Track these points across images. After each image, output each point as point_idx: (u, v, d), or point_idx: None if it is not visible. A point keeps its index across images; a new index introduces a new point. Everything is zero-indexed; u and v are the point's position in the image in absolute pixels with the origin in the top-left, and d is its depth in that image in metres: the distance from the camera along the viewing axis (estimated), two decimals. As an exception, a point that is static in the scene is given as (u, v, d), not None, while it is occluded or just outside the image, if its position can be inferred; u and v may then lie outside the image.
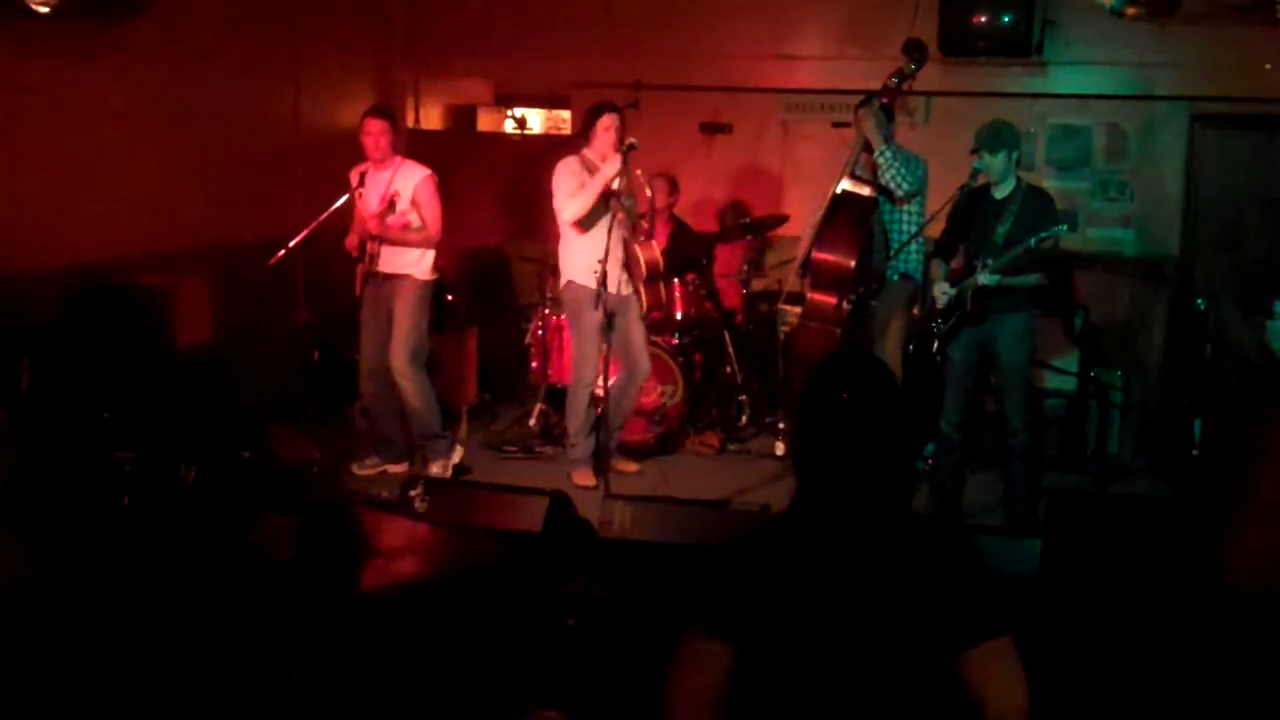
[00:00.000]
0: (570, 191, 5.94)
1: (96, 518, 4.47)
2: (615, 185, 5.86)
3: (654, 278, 6.23)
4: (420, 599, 3.67)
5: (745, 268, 7.30)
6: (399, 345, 6.19)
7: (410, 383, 6.21)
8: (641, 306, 6.22)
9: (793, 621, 2.24)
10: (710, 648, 2.26)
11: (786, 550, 2.30)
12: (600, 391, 6.02)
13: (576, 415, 6.20)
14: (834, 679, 2.23)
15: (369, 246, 6.12)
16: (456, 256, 8.16)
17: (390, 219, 6.06)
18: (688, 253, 7.11)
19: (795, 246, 6.41)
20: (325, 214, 6.20)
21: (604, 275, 5.81)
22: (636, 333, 6.20)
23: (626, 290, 6.14)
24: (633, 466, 6.43)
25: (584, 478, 6.16)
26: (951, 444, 5.76)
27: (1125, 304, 7.43)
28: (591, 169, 5.97)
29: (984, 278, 5.36)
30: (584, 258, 5.96)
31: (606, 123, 5.96)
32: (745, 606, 2.26)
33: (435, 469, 6.27)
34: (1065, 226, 5.33)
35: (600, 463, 6.14)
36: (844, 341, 5.84)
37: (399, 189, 6.09)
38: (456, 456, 6.37)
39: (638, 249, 6.15)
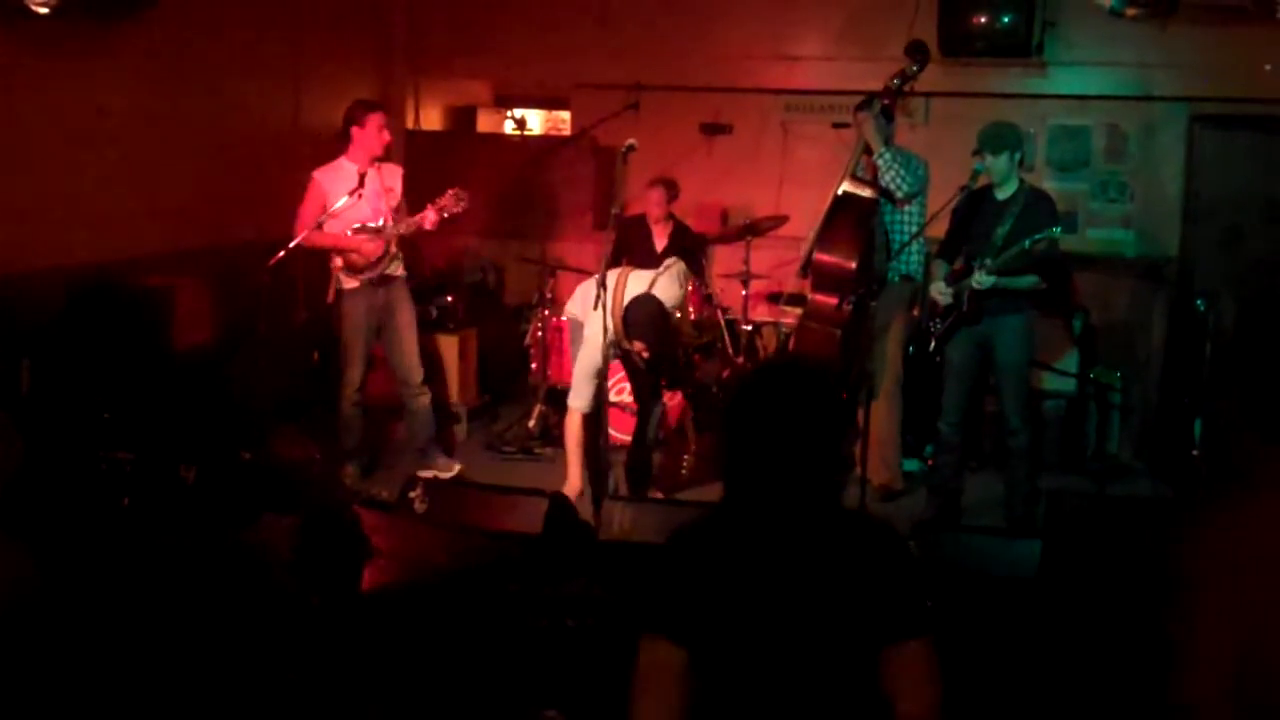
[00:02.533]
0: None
1: (96, 518, 4.46)
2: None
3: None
4: (420, 600, 3.66)
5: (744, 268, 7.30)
6: (415, 349, 6.25)
7: (423, 387, 6.29)
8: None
9: (728, 619, 2.27)
10: (662, 652, 2.29)
11: (718, 549, 2.34)
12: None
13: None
14: (769, 674, 2.26)
15: (391, 248, 6.08)
16: (456, 257, 8.17)
17: (410, 219, 6.07)
18: (687, 253, 7.11)
19: (795, 247, 6.40)
20: (325, 215, 6.19)
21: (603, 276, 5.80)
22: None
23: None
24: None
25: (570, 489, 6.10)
26: (951, 444, 5.76)
27: (1125, 304, 7.43)
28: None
29: (980, 279, 5.37)
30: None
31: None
32: (688, 607, 2.29)
33: (444, 469, 6.31)
34: (1059, 229, 5.32)
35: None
36: (844, 342, 5.84)
37: (391, 185, 6.11)
38: (455, 469, 6.40)
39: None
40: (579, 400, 5.72)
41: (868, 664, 2.26)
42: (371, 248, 6.03)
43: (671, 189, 7.09)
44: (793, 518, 2.32)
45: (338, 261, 6.07)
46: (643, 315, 5.43)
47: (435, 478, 6.10)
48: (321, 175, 6.03)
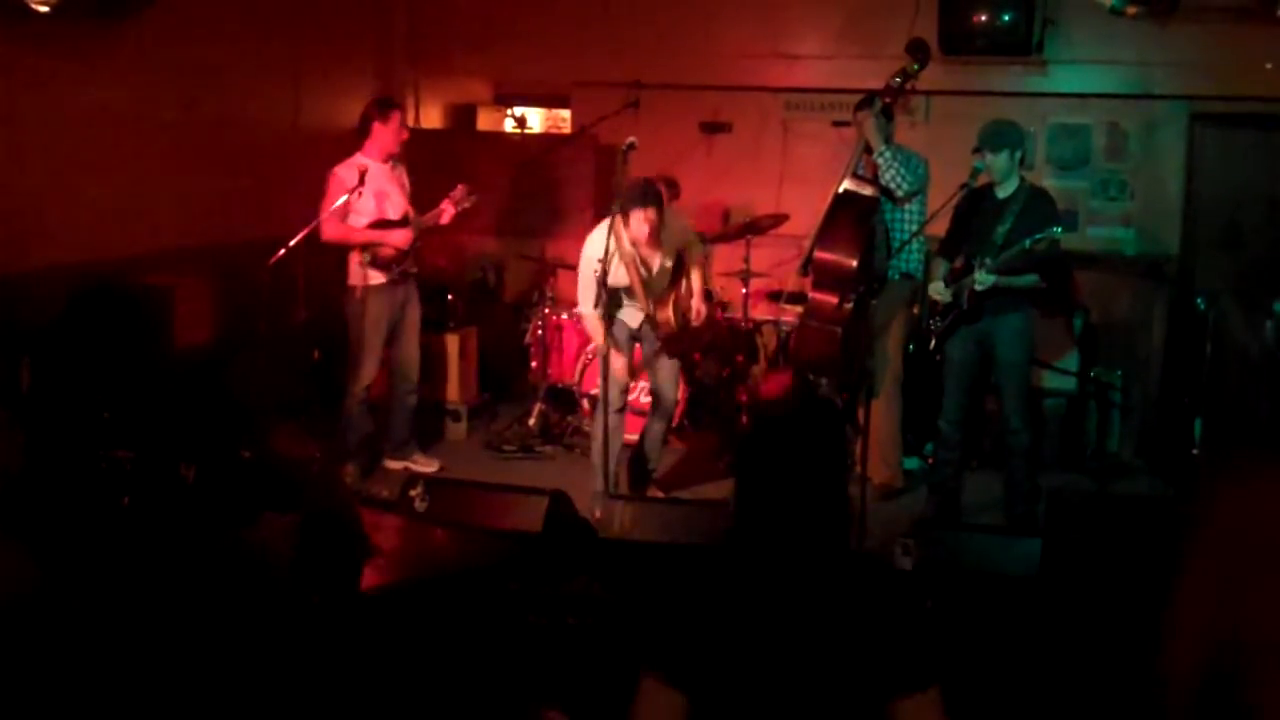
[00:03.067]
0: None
1: (96, 517, 4.46)
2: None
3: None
4: (420, 599, 3.66)
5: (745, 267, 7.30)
6: (418, 347, 6.37)
7: (416, 385, 6.39)
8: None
9: (731, 665, 2.24)
10: (661, 696, 2.27)
11: (724, 592, 2.30)
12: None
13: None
14: None
15: (418, 241, 6.16)
16: (456, 256, 8.16)
17: (429, 213, 6.12)
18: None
19: (795, 246, 6.40)
20: (325, 214, 6.19)
21: (604, 275, 5.80)
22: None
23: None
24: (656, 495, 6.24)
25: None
26: (951, 443, 5.76)
27: (1125, 303, 7.43)
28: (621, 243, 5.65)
29: (980, 278, 5.36)
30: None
31: (644, 218, 5.43)
32: (687, 650, 2.26)
33: (423, 465, 6.37)
34: (1061, 229, 5.32)
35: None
36: (845, 341, 5.84)
37: (403, 182, 6.16)
38: (435, 466, 6.47)
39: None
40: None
41: (874, 716, 2.23)
42: (401, 240, 6.11)
43: (672, 189, 7.08)
44: (801, 561, 2.29)
45: (362, 257, 6.07)
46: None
47: (407, 469, 6.20)
48: (343, 171, 6.05)
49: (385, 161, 6.13)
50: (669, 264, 5.78)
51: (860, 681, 2.22)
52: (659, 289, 5.79)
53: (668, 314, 5.83)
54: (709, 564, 2.40)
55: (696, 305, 5.85)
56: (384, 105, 6.18)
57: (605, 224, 5.50)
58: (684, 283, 5.93)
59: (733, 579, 2.32)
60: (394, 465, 6.34)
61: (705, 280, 6.02)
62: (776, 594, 2.27)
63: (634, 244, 5.54)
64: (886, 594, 2.32)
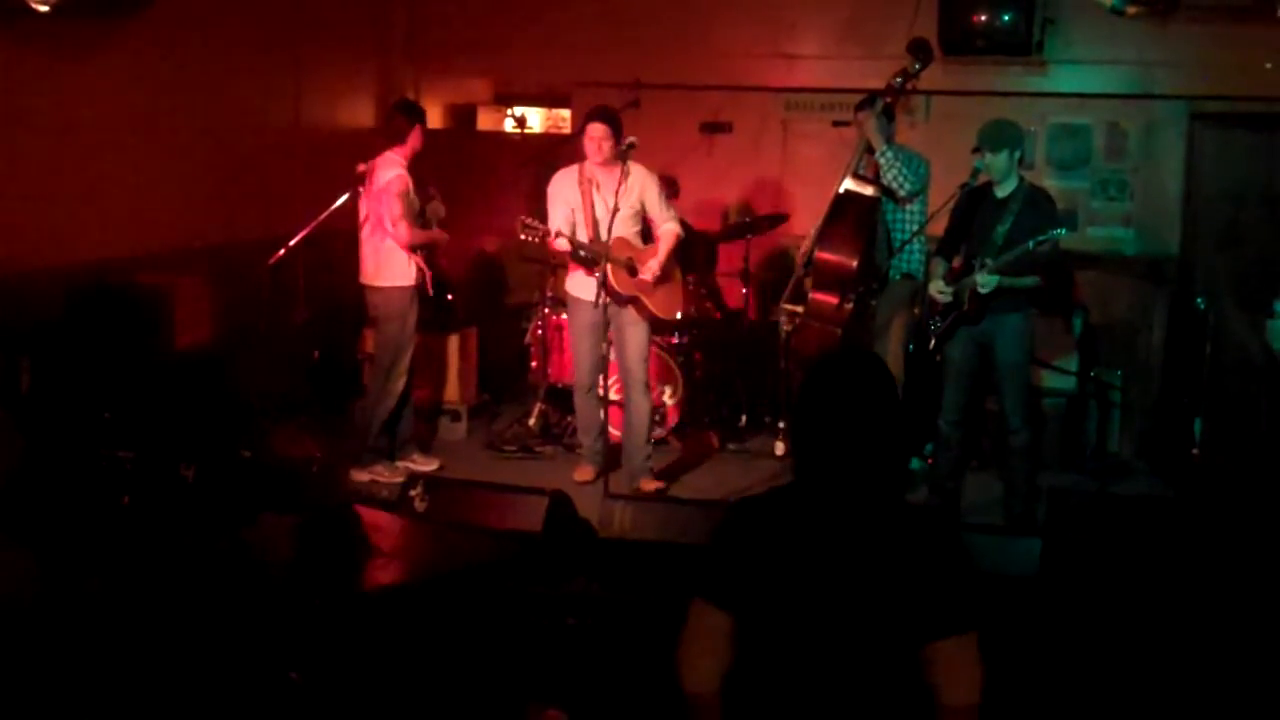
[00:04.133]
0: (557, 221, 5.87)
1: (96, 517, 4.47)
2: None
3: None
4: (420, 599, 3.66)
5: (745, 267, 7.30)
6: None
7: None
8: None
9: (781, 595, 2.37)
10: (710, 616, 2.42)
11: (781, 526, 2.43)
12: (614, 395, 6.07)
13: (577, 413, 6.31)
14: (814, 653, 2.36)
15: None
16: (456, 256, 8.16)
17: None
18: (688, 252, 7.10)
19: (796, 246, 6.40)
20: (325, 214, 6.20)
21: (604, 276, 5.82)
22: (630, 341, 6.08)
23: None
24: (655, 484, 6.21)
25: (581, 473, 6.20)
26: (950, 443, 5.76)
27: (1125, 303, 7.42)
28: (589, 182, 5.87)
29: (982, 279, 5.36)
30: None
31: (589, 132, 5.77)
32: (739, 578, 2.40)
33: (424, 464, 6.40)
34: (1064, 230, 5.31)
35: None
36: (845, 341, 5.84)
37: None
38: (435, 464, 6.52)
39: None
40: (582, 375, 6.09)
41: (911, 654, 2.34)
42: (446, 238, 6.31)
43: (672, 188, 7.08)
44: (856, 502, 2.40)
45: (418, 258, 6.13)
46: None
47: (408, 469, 6.22)
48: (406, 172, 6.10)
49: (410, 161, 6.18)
50: (631, 210, 5.87)
51: (901, 619, 2.33)
52: (616, 230, 5.82)
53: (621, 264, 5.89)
54: (767, 496, 2.55)
55: (650, 263, 5.92)
56: (419, 108, 6.31)
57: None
58: (651, 248, 6.06)
59: (789, 512, 2.45)
60: (400, 465, 6.35)
61: (671, 253, 6.05)
62: (830, 530, 2.39)
63: (590, 175, 5.77)
64: (935, 539, 2.42)
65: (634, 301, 5.94)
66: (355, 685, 3.29)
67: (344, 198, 6.15)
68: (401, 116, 6.16)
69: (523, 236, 5.76)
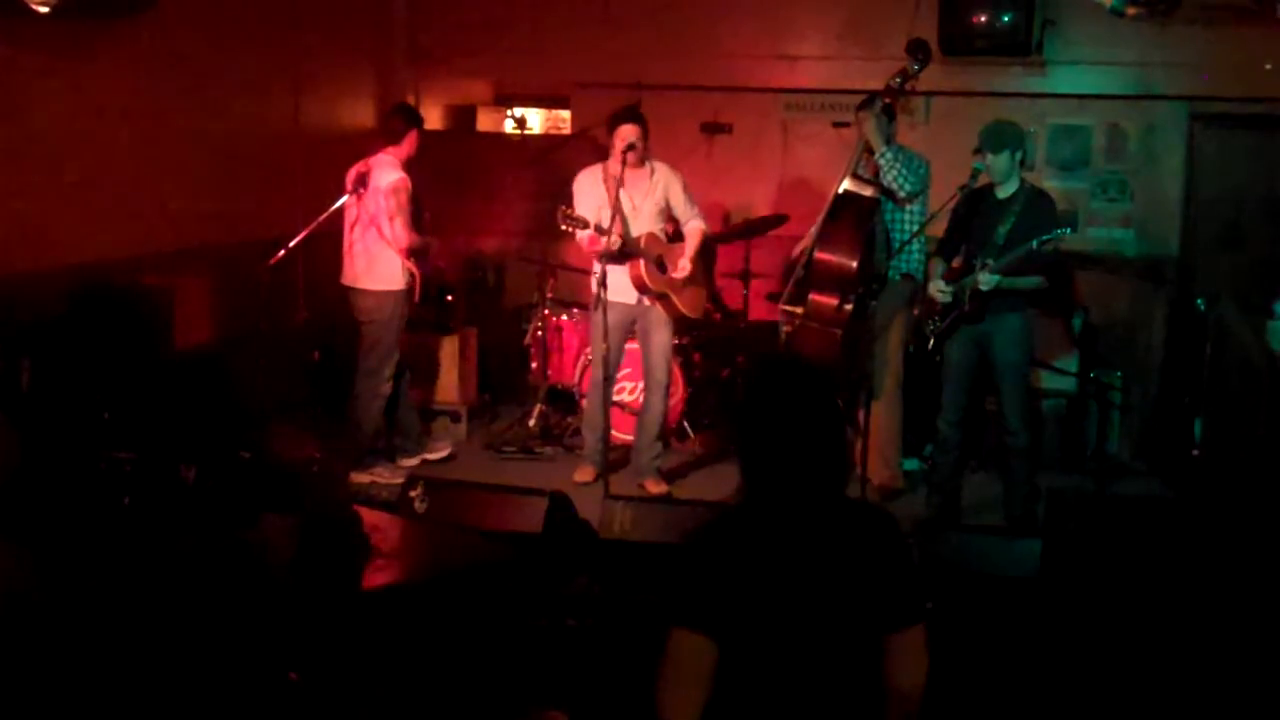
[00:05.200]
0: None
1: (96, 518, 4.46)
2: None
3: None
4: (420, 599, 3.66)
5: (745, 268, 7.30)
6: None
7: None
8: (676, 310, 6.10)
9: (754, 608, 2.44)
10: (691, 642, 2.44)
11: (742, 543, 2.51)
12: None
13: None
14: (788, 659, 2.45)
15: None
16: (456, 257, 8.16)
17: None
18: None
19: (796, 246, 6.40)
20: (325, 214, 6.19)
21: (604, 276, 5.82)
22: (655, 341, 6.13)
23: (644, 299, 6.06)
24: (661, 487, 6.27)
25: (581, 474, 6.21)
26: (950, 443, 5.76)
27: (1125, 304, 7.43)
28: (614, 180, 5.88)
29: (984, 279, 5.36)
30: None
31: (622, 134, 5.85)
32: (714, 600, 2.45)
33: (440, 451, 6.57)
34: (1068, 230, 5.32)
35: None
36: (845, 342, 5.83)
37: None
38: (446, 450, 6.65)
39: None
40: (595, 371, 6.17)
41: (874, 647, 2.48)
42: (438, 244, 6.40)
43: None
44: (806, 508, 2.50)
45: (410, 262, 6.18)
46: None
47: (423, 460, 6.39)
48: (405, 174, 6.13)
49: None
50: (655, 207, 5.96)
51: (864, 615, 2.46)
52: (643, 227, 5.94)
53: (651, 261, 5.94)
54: (722, 517, 2.64)
55: (682, 263, 5.99)
56: (418, 113, 6.41)
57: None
58: (680, 246, 6.13)
59: (747, 528, 2.53)
60: (407, 463, 6.39)
61: (698, 253, 6.09)
62: (787, 539, 2.48)
63: (619, 174, 5.81)
64: (882, 536, 2.55)
65: (664, 299, 5.98)
66: (355, 686, 3.28)
67: (344, 198, 6.14)
68: (399, 119, 6.20)
69: (563, 227, 5.79)
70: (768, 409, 2.56)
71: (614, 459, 6.23)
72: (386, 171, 6.05)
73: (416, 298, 6.26)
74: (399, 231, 6.01)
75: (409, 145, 6.17)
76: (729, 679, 2.44)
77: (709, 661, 2.42)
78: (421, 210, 6.34)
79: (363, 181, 6.11)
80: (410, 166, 6.22)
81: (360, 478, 6.16)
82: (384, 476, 6.19)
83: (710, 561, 2.50)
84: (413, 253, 6.15)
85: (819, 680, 2.45)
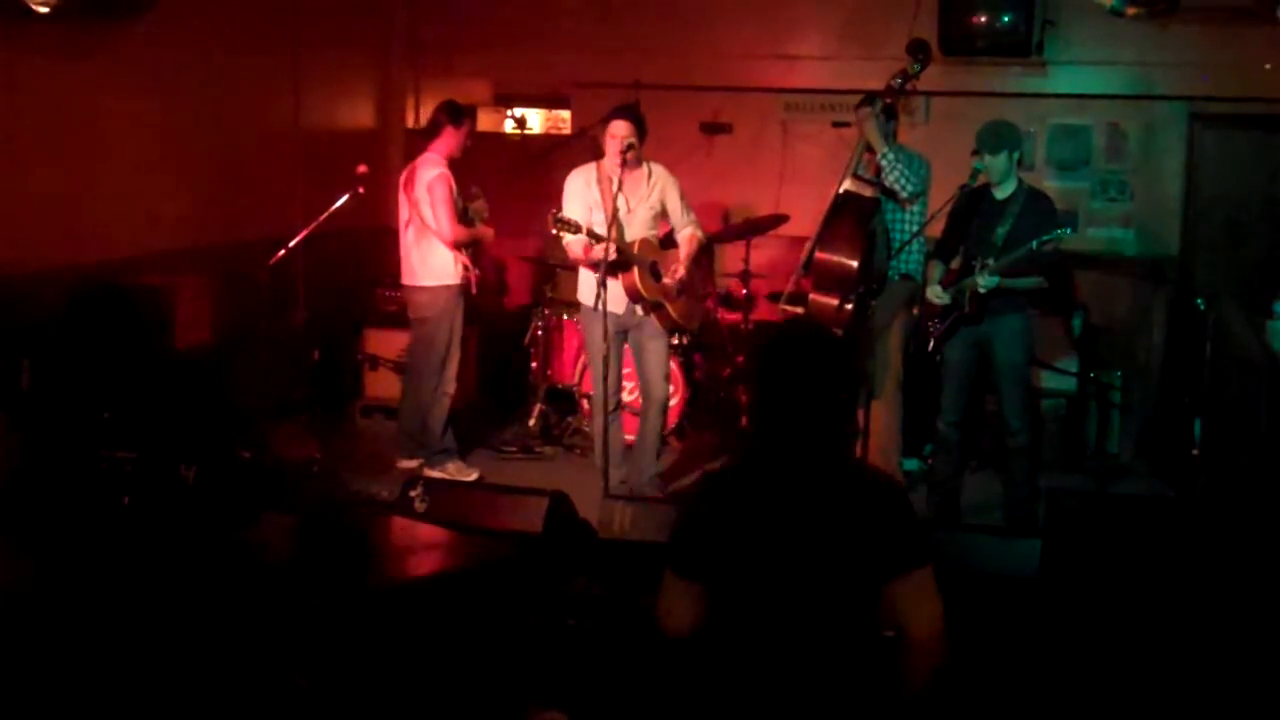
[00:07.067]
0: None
1: (96, 518, 4.46)
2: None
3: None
4: (420, 599, 3.66)
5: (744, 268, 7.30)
6: None
7: None
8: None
9: (749, 559, 2.53)
10: (679, 584, 2.61)
11: (742, 495, 2.60)
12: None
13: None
14: (782, 608, 2.52)
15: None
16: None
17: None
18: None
19: (796, 246, 6.40)
20: (325, 214, 6.19)
21: (601, 281, 5.80)
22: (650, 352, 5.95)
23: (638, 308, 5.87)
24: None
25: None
26: (949, 444, 5.76)
27: (1125, 304, 7.43)
28: (608, 181, 5.69)
29: (983, 279, 5.36)
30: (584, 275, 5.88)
31: (614, 130, 5.60)
32: (705, 552, 2.58)
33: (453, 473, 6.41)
34: (1068, 230, 5.32)
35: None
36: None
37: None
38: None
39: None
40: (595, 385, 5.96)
41: (872, 598, 2.52)
42: (492, 235, 6.36)
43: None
44: (809, 463, 2.57)
45: (465, 256, 6.17)
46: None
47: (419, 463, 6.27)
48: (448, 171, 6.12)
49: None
50: (650, 212, 5.78)
51: (862, 563, 2.50)
52: (637, 232, 5.72)
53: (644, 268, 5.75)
54: (729, 470, 2.80)
55: (676, 268, 5.82)
56: (465, 111, 6.37)
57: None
58: (674, 251, 5.96)
59: (750, 480, 2.62)
60: (434, 473, 6.35)
61: (691, 254, 5.94)
62: (788, 491, 2.55)
63: (611, 173, 5.62)
64: (880, 490, 2.62)
65: (658, 308, 5.80)
66: (355, 686, 3.28)
67: (344, 198, 6.15)
68: (442, 114, 6.21)
69: (553, 230, 5.63)
70: (776, 364, 2.63)
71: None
72: (427, 170, 6.10)
73: (474, 290, 6.24)
74: (443, 225, 6.02)
75: (447, 141, 6.17)
76: (725, 622, 2.56)
77: (697, 597, 2.58)
78: (470, 201, 6.33)
79: (410, 181, 6.14)
80: (454, 164, 6.21)
81: (433, 473, 6.16)
82: (458, 474, 6.22)
83: (704, 511, 2.62)
84: (464, 246, 6.15)
85: (811, 632, 2.50)
